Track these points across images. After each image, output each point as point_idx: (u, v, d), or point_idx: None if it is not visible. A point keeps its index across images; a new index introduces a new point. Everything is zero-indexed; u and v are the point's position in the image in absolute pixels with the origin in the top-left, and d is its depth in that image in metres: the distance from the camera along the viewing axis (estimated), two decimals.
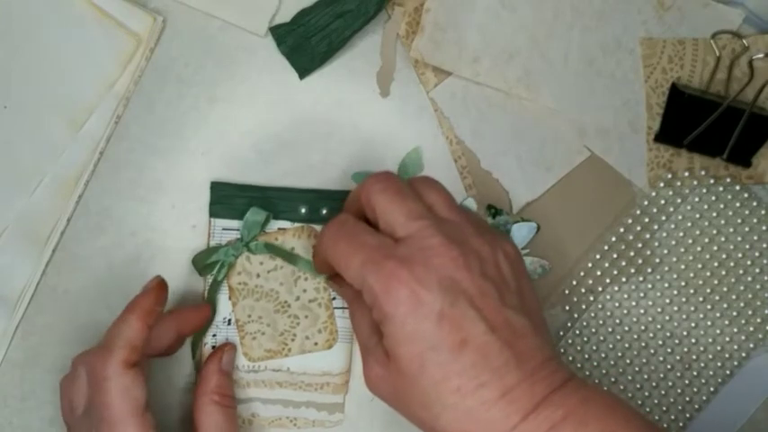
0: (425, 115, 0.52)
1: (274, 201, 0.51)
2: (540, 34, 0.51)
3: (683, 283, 0.52)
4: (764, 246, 0.53)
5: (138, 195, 0.51)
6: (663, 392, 0.53)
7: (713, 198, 0.52)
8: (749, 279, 0.52)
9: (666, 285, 0.52)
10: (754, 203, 0.53)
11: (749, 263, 0.53)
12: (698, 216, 0.52)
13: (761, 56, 0.51)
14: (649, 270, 0.52)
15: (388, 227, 0.44)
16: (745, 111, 0.51)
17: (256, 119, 0.52)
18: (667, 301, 0.52)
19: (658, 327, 0.52)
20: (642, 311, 0.52)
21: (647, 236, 0.52)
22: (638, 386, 0.52)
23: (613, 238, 0.52)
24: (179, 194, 0.51)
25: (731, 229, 0.52)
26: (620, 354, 0.52)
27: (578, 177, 0.52)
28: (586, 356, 0.52)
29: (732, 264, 0.53)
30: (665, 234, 0.53)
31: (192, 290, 0.51)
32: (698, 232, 0.52)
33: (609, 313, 0.52)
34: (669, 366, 0.53)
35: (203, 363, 0.49)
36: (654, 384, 0.53)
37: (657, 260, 0.52)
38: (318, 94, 0.52)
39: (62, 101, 0.50)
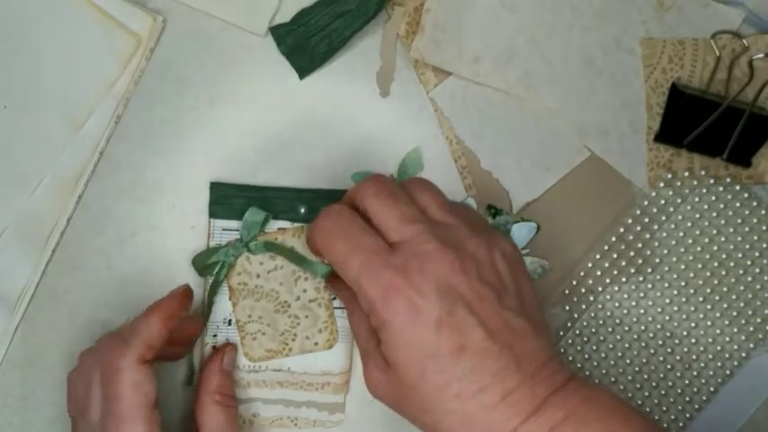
0: (425, 115, 0.52)
1: (274, 201, 0.51)
2: (540, 34, 0.51)
3: (683, 283, 0.52)
4: (764, 246, 0.53)
5: (138, 195, 0.51)
6: (663, 392, 0.53)
7: (713, 198, 0.52)
8: (749, 279, 0.52)
9: (666, 285, 0.52)
10: (754, 203, 0.53)
11: (749, 263, 0.53)
12: (698, 216, 0.52)
13: (761, 56, 0.51)
14: (649, 270, 0.52)
15: (381, 231, 0.44)
16: (745, 111, 0.51)
17: (256, 119, 0.51)
18: (667, 301, 0.52)
19: (658, 327, 0.52)
20: (642, 311, 0.52)
21: (647, 236, 0.52)
22: (638, 386, 0.52)
23: (613, 238, 0.52)
24: (179, 194, 0.51)
25: (731, 229, 0.52)
26: (620, 354, 0.52)
27: (578, 177, 0.52)
28: (586, 356, 0.52)
29: (732, 264, 0.53)
30: (665, 234, 0.53)
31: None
32: (698, 232, 0.52)
33: (609, 313, 0.52)
34: (669, 366, 0.53)
35: (204, 363, 0.50)
36: (654, 384, 0.53)
37: (657, 260, 0.52)
38: (318, 93, 0.52)
39: (62, 101, 0.50)
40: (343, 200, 0.47)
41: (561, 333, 0.52)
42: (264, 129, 0.52)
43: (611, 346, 0.53)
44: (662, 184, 0.52)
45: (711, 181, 0.52)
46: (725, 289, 0.52)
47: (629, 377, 0.53)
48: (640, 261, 0.52)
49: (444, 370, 0.41)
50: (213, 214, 0.51)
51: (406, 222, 0.43)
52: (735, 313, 0.53)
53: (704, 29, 0.52)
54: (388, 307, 0.41)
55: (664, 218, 0.52)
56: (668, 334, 0.53)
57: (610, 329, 0.52)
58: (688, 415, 0.53)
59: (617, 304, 0.52)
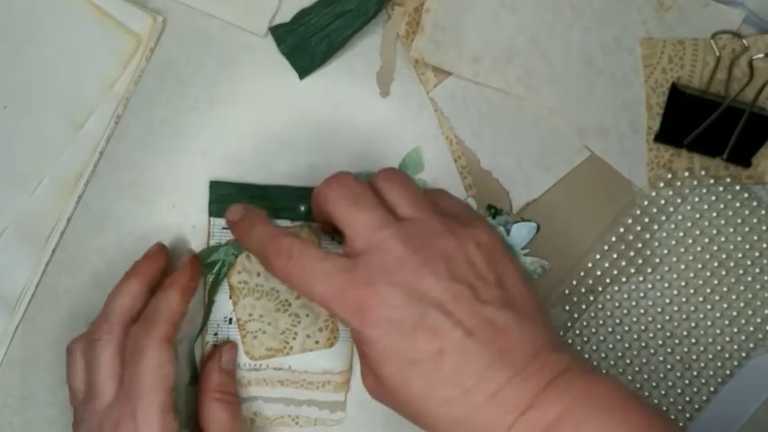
0: (425, 115, 0.52)
1: (273, 199, 0.51)
2: (540, 34, 0.51)
3: (683, 283, 0.52)
4: (764, 246, 0.52)
5: (138, 195, 0.51)
6: (663, 392, 0.53)
7: (713, 198, 0.52)
8: (749, 279, 0.52)
9: (666, 285, 0.52)
10: (754, 203, 0.53)
11: (749, 263, 0.53)
12: (698, 216, 0.52)
13: (761, 56, 0.51)
14: (649, 270, 0.52)
15: (347, 237, 0.43)
16: (745, 111, 0.51)
17: (256, 119, 0.52)
18: (667, 301, 0.52)
19: (658, 327, 0.52)
20: (642, 311, 0.52)
21: (647, 236, 0.52)
22: (638, 386, 0.52)
23: (613, 238, 0.52)
24: (179, 194, 0.51)
25: (731, 229, 0.52)
26: (620, 354, 0.52)
27: (578, 177, 0.52)
28: (586, 356, 0.52)
29: (732, 264, 0.53)
30: (665, 234, 0.52)
31: None
32: (698, 232, 0.52)
33: (609, 313, 0.52)
34: (669, 366, 0.53)
35: (203, 363, 0.50)
36: (654, 384, 0.53)
37: (657, 260, 0.52)
38: (318, 94, 0.52)
39: (62, 101, 0.50)
40: (312, 202, 0.46)
41: (561, 333, 0.52)
42: (264, 129, 0.52)
43: (611, 346, 0.53)
44: (662, 184, 0.52)
45: (711, 181, 0.52)
46: (725, 289, 0.52)
47: (630, 377, 0.53)
48: (640, 261, 0.52)
49: (427, 376, 0.40)
50: (213, 213, 0.51)
51: (372, 229, 0.42)
52: (735, 313, 0.53)
53: (704, 29, 0.51)
54: (362, 324, 0.41)
55: (664, 218, 0.52)
56: (668, 334, 0.53)
57: (610, 329, 0.53)
58: (688, 415, 0.53)
59: (617, 304, 0.52)
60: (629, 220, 0.52)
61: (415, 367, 0.40)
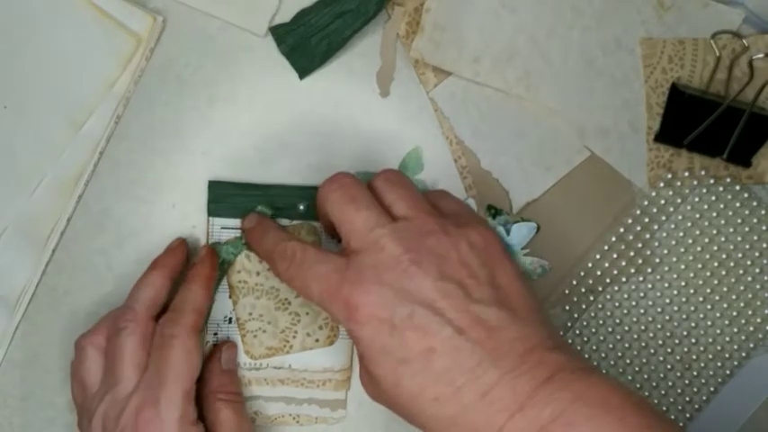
0: (425, 115, 0.52)
1: (273, 198, 0.51)
2: (540, 34, 0.51)
3: (683, 283, 0.52)
4: (764, 246, 0.52)
5: (138, 195, 0.51)
6: (663, 392, 0.53)
7: (713, 198, 0.52)
8: (749, 279, 0.52)
9: (666, 285, 0.52)
10: (754, 203, 0.52)
11: (749, 263, 0.53)
12: (698, 216, 0.52)
13: (761, 56, 0.51)
14: (649, 270, 0.52)
15: (344, 238, 0.43)
16: (745, 111, 0.51)
17: (256, 119, 0.52)
18: (667, 301, 0.52)
19: (658, 327, 0.53)
20: (642, 311, 0.52)
21: (647, 236, 0.52)
22: (638, 386, 0.53)
23: (613, 238, 0.52)
24: (179, 194, 0.51)
25: (731, 229, 0.52)
26: (620, 354, 0.53)
27: (578, 177, 0.52)
28: (586, 356, 0.52)
29: (732, 264, 0.53)
30: (665, 234, 0.52)
31: None
32: (698, 232, 0.52)
33: (609, 313, 0.53)
34: (669, 366, 0.53)
35: (203, 363, 0.50)
36: (654, 384, 0.53)
37: (657, 260, 0.52)
38: (318, 94, 0.52)
39: (62, 101, 0.50)
40: (316, 202, 0.46)
41: (561, 333, 0.52)
42: (264, 128, 0.52)
43: (611, 346, 0.53)
44: (662, 184, 0.52)
45: (711, 181, 0.52)
46: (725, 289, 0.52)
47: (630, 377, 0.53)
48: (640, 261, 0.52)
49: (417, 375, 0.40)
50: (212, 213, 0.51)
51: (368, 228, 0.42)
52: (735, 313, 0.53)
53: (704, 29, 0.51)
54: (354, 323, 0.41)
55: (664, 218, 0.52)
56: (668, 334, 0.53)
57: (610, 329, 0.53)
58: (688, 415, 0.53)
59: (617, 304, 0.52)
60: (629, 220, 0.52)
61: (405, 366, 0.40)
